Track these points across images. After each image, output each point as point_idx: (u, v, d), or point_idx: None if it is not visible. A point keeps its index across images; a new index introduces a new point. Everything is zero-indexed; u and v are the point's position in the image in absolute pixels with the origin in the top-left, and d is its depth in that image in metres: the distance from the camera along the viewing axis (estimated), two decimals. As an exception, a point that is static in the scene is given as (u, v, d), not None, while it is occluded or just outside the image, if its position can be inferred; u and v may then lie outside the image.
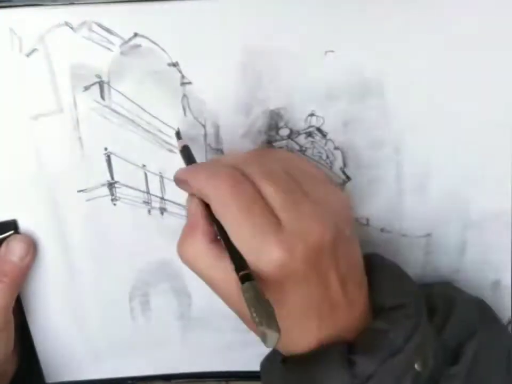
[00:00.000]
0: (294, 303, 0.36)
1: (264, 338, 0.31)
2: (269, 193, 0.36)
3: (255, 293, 0.33)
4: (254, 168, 0.37)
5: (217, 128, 0.44)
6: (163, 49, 0.41)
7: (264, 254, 0.35)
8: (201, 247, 0.37)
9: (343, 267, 0.37)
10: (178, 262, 0.48)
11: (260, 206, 0.35)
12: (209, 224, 0.37)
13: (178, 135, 0.43)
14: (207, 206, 0.37)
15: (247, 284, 0.33)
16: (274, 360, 0.40)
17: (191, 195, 0.39)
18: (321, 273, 0.36)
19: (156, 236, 0.47)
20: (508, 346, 0.43)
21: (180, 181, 0.40)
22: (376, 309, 0.40)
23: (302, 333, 0.37)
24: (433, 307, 0.42)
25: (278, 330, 0.31)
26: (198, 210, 0.38)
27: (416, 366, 0.37)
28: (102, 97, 0.42)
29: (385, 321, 0.38)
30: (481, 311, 0.44)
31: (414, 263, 0.48)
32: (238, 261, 0.35)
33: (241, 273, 0.34)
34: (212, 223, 0.37)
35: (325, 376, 0.36)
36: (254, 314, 0.32)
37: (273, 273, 0.35)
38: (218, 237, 0.37)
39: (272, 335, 0.31)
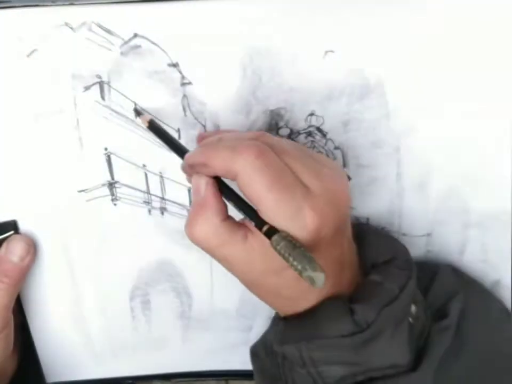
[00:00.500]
0: None
1: (312, 282, 0.32)
2: (292, 163, 0.36)
3: (287, 242, 0.33)
4: (272, 140, 0.37)
5: (217, 128, 0.44)
6: (163, 50, 0.41)
7: (299, 219, 0.35)
8: (214, 225, 0.37)
9: (349, 228, 0.39)
10: (178, 262, 0.48)
11: (288, 174, 0.35)
12: (221, 202, 0.37)
13: (137, 111, 0.42)
14: (217, 184, 0.37)
15: (276, 236, 0.33)
16: (275, 325, 0.41)
17: (198, 174, 0.38)
18: (342, 236, 0.38)
19: (156, 235, 0.47)
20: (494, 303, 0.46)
21: (195, 165, 0.38)
22: (369, 266, 0.41)
23: (312, 295, 0.38)
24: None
25: (323, 270, 0.32)
26: (209, 189, 0.37)
27: (410, 318, 0.39)
28: (102, 97, 0.42)
29: (380, 273, 0.40)
30: (458, 275, 0.46)
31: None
32: (261, 221, 0.35)
33: (266, 227, 0.34)
34: (222, 200, 0.37)
35: (324, 326, 0.37)
36: (295, 263, 0.32)
37: (306, 237, 0.35)
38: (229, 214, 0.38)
39: (318, 276, 0.32)
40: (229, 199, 0.37)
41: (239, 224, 0.37)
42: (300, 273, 0.32)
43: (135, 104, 0.43)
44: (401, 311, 0.38)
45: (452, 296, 0.43)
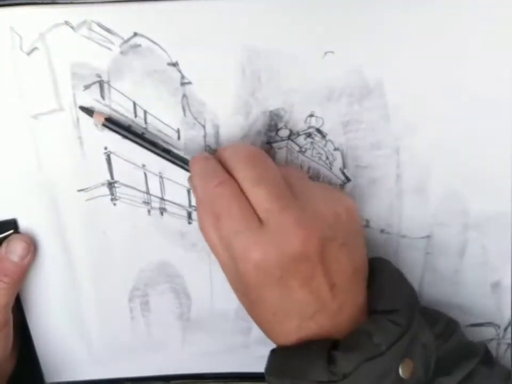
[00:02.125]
0: (271, 303, 0.38)
1: None
2: (254, 197, 0.37)
3: None
4: (245, 172, 0.38)
5: (217, 129, 0.44)
6: (163, 49, 0.41)
7: (241, 252, 0.36)
8: None
9: (334, 273, 0.38)
10: (178, 263, 0.48)
11: (241, 207, 0.37)
12: None
13: (86, 110, 0.43)
14: None
15: None
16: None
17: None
18: (304, 279, 0.37)
19: (156, 236, 0.47)
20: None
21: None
22: (370, 311, 0.40)
23: (282, 329, 0.39)
24: (436, 317, 0.43)
25: None
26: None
27: (400, 372, 0.37)
28: (102, 96, 0.42)
29: (373, 324, 0.38)
30: (487, 353, 0.44)
31: (413, 264, 0.48)
32: None
33: None
34: None
35: (304, 368, 0.37)
36: None
37: (248, 271, 0.36)
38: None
39: None
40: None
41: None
42: None
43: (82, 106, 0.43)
44: (384, 367, 0.37)
45: (466, 357, 0.41)
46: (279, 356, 0.39)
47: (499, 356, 0.51)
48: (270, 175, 0.38)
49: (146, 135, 0.43)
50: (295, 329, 0.38)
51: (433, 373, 0.39)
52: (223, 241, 0.38)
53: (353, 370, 0.36)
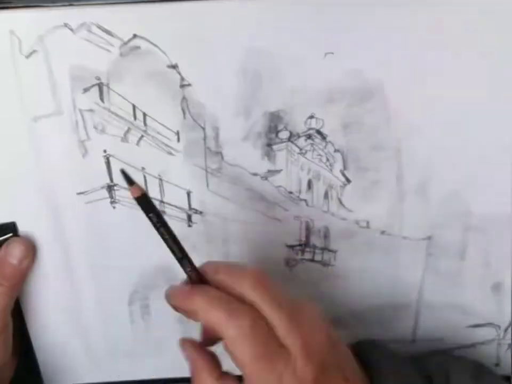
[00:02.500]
0: None
1: None
2: (277, 324, 0.37)
3: None
4: (264, 300, 0.38)
5: (216, 131, 0.44)
6: (162, 51, 0.41)
7: None
8: None
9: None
10: (178, 266, 0.48)
11: (274, 342, 0.37)
12: (212, 361, 0.39)
13: (128, 179, 0.37)
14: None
15: None
16: None
17: (184, 342, 0.40)
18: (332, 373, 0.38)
19: (155, 239, 0.47)
20: None
21: (183, 308, 0.39)
22: None
23: None
24: (429, 375, 0.44)
25: None
26: (200, 355, 0.39)
27: None
28: (101, 99, 0.42)
29: None
30: (477, 375, 0.45)
31: (414, 266, 0.48)
32: None
33: None
34: (213, 359, 0.39)
35: None
36: None
37: None
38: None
39: None
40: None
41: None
42: None
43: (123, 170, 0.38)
44: None
45: None
46: None
47: (499, 356, 0.51)
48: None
49: (169, 227, 0.39)
50: None
51: None
52: None
53: None
